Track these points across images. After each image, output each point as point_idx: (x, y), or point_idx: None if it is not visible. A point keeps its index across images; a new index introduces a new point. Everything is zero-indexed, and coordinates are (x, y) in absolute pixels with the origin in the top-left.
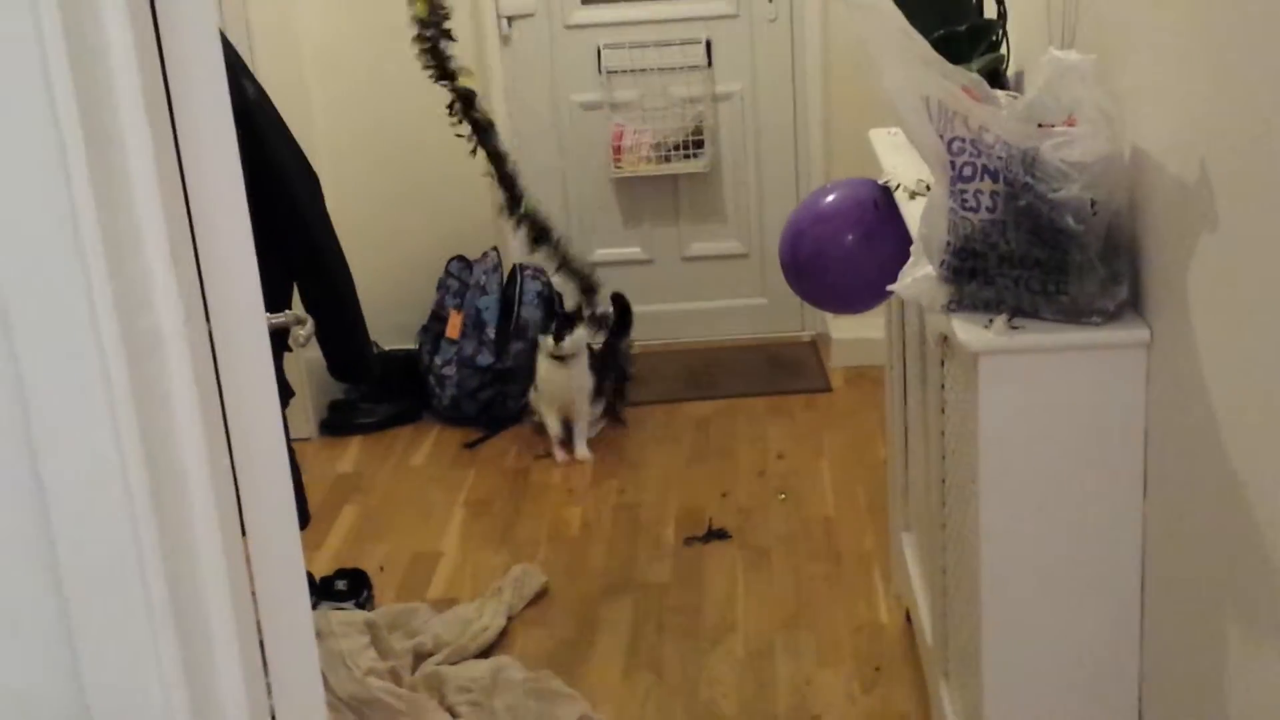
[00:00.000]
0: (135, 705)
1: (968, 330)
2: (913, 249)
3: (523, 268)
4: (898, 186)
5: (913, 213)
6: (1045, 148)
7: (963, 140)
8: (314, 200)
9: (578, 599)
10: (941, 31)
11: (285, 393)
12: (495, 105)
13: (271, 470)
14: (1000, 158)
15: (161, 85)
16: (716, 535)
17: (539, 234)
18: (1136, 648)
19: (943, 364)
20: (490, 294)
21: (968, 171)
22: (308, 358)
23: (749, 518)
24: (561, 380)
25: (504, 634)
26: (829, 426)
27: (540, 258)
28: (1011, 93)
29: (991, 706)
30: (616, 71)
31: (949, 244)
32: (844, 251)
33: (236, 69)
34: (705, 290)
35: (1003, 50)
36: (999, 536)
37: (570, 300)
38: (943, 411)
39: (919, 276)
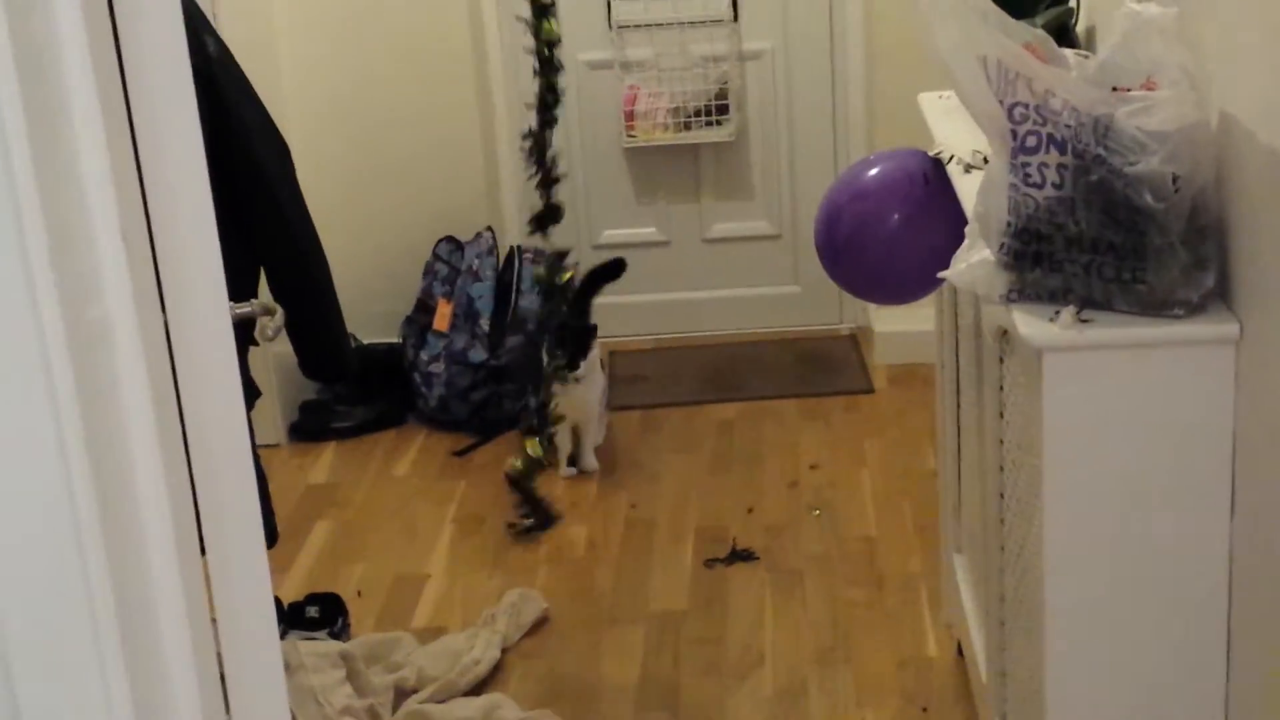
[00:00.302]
0: None
1: (1030, 323)
2: (967, 230)
3: (521, 250)
4: (950, 158)
5: (968, 189)
6: (1120, 115)
7: (1025, 106)
8: (284, 173)
9: (582, 628)
10: None
11: (251, 392)
12: (491, 64)
13: (235, 480)
14: (1068, 126)
15: (112, 42)
16: (741, 556)
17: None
18: (1222, 688)
19: (1001, 362)
20: (484, 280)
21: (1031, 142)
22: (276, 353)
23: (778, 536)
24: (575, 398)
25: (498, 668)
26: (870, 432)
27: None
28: (1082, 52)
29: None
30: (629, 26)
31: (1009, 225)
32: (888, 233)
33: (196, 23)
34: (730, 277)
35: (1071, 3)
36: (1065, 559)
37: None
38: (1001, 416)
39: (975, 262)
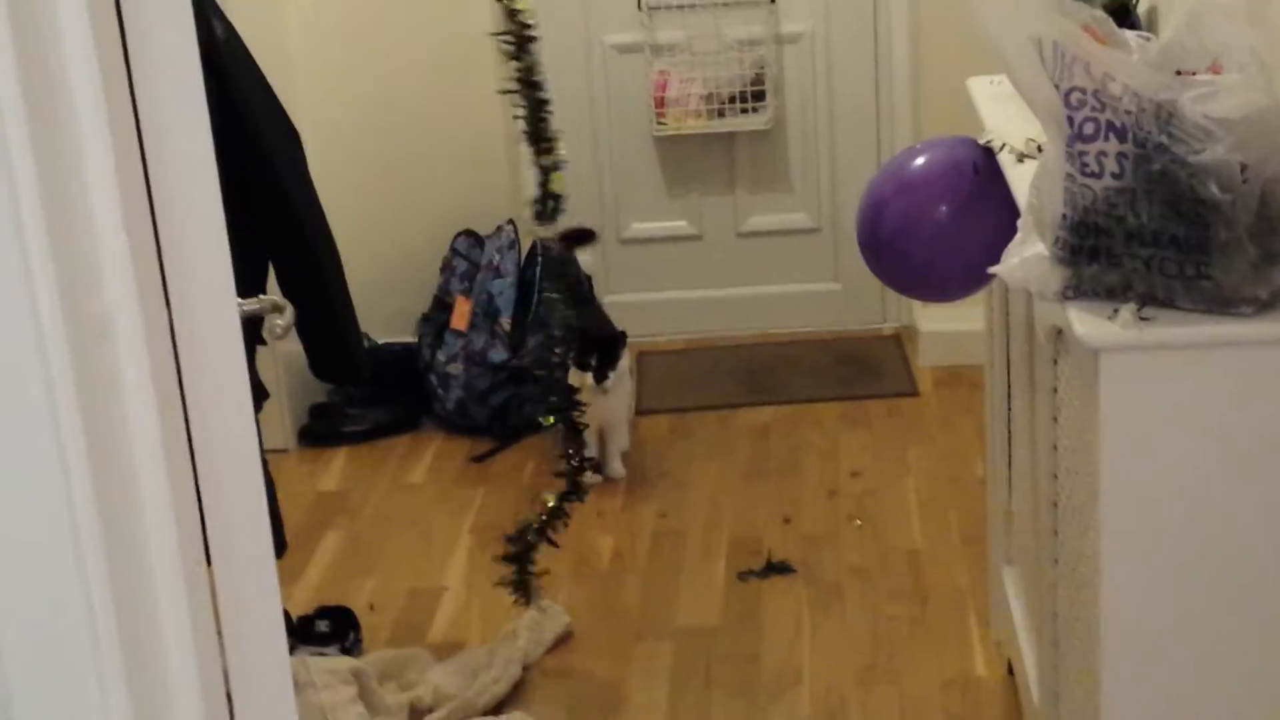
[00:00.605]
0: None
1: (1088, 322)
2: (1020, 223)
3: (545, 245)
4: (1002, 147)
5: (1021, 179)
6: (1184, 100)
7: (1083, 91)
8: (294, 164)
9: (608, 645)
10: None
11: (258, 394)
12: None
13: (242, 486)
14: (1129, 112)
15: (116, 25)
16: (777, 569)
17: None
18: None
19: (1055, 363)
20: (505, 276)
21: (1089, 129)
22: (286, 352)
23: (817, 548)
24: (600, 402)
25: (518, 686)
26: (915, 438)
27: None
28: (1143, 34)
29: None
30: (659, 7)
31: (1065, 217)
32: (935, 226)
33: (204, 5)
34: (766, 273)
35: None
36: (1123, 574)
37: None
38: (1055, 421)
39: (1028, 257)
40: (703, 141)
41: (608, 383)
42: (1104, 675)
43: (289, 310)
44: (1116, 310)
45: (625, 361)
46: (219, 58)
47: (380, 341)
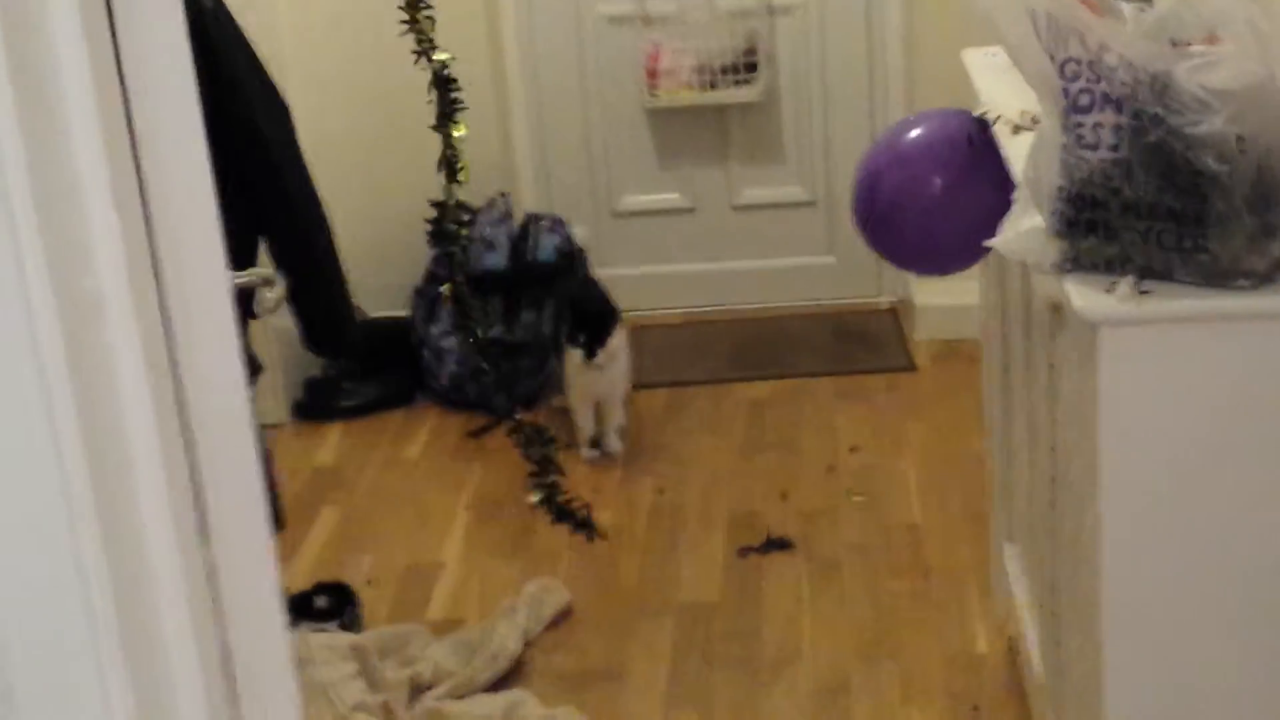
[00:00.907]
0: None
1: (1085, 295)
2: (1016, 196)
3: (537, 218)
4: (997, 119)
5: (1016, 151)
6: (1180, 71)
7: (1078, 62)
8: (284, 135)
9: (607, 621)
10: None
11: (252, 368)
12: (504, 18)
13: (238, 462)
14: (1125, 84)
15: None
16: (776, 545)
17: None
18: None
19: (1053, 337)
20: (498, 250)
21: (1084, 101)
22: (277, 326)
23: (816, 523)
24: (596, 382)
25: (518, 662)
26: (913, 413)
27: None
28: (1139, 4)
29: None
30: None
31: (1061, 189)
32: (931, 199)
33: None
34: (760, 246)
35: None
36: (1123, 548)
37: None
38: (1053, 395)
39: (1024, 230)
40: (695, 113)
41: (598, 359)
42: (1105, 649)
43: (280, 283)
44: (1114, 283)
45: (620, 338)
46: (207, 28)
47: (373, 315)
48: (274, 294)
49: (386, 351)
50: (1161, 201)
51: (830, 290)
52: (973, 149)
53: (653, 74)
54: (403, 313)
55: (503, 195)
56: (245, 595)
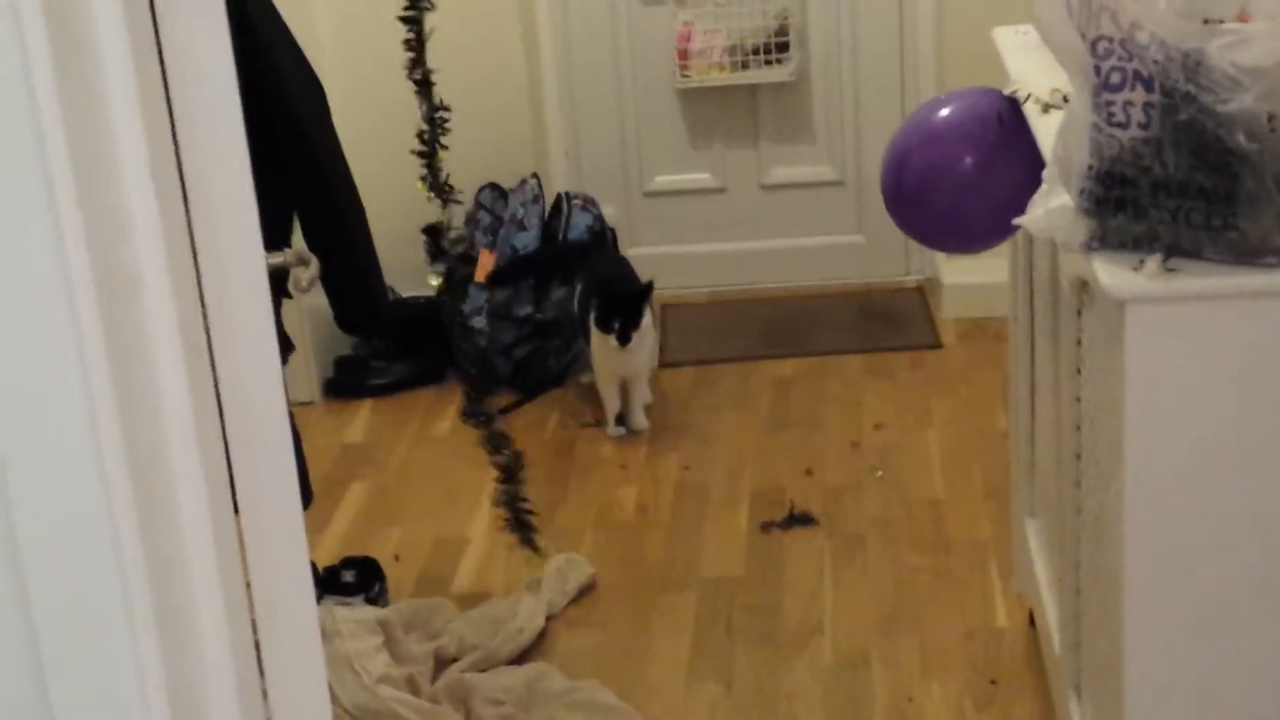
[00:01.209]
0: (108, 714)
1: (1113, 273)
2: (1045, 174)
3: (569, 196)
4: (1028, 97)
5: (1046, 130)
6: (1212, 49)
7: (1110, 40)
8: (319, 115)
9: (631, 595)
10: None
11: (284, 347)
12: (537, 1)
13: (270, 437)
14: (1156, 61)
15: None
16: (799, 520)
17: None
18: None
19: (1080, 314)
20: (529, 230)
21: (1115, 79)
22: (310, 305)
23: (839, 499)
24: (622, 361)
25: (542, 636)
26: (938, 391)
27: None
28: None
29: None
30: None
31: (1091, 168)
32: (961, 177)
33: None
34: (789, 225)
35: None
36: (1147, 525)
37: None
38: (1079, 373)
39: (1053, 208)
40: (726, 93)
41: (631, 344)
42: (1126, 626)
43: (314, 263)
44: (1142, 261)
45: (648, 317)
46: (244, 8)
47: (404, 295)
48: (308, 273)
49: (417, 331)
50: (1192, 180)
51: (858, 269)
52: (1002, 127)
53: (684, 54)
54: (433, 292)
55: (534, 175)
56: (274, 568)
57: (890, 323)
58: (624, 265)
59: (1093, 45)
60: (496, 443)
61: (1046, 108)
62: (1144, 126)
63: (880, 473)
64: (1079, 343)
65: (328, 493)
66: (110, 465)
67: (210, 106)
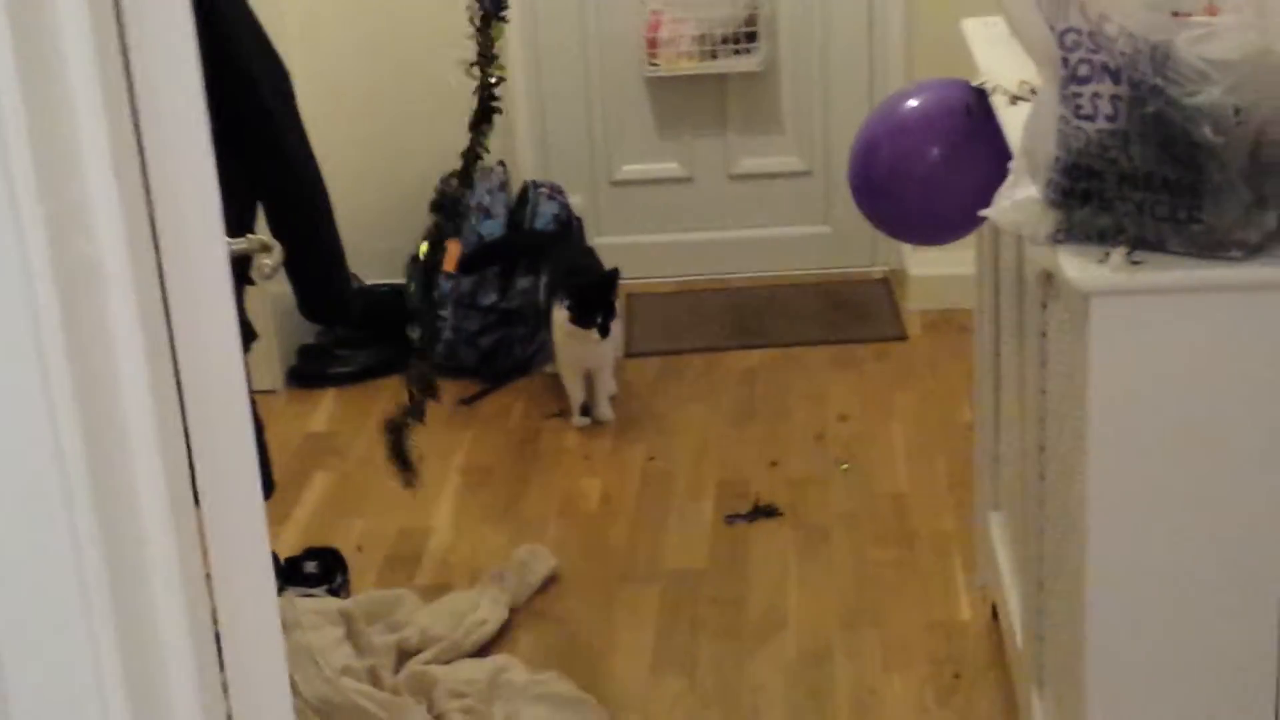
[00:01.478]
0: (65, 709)
1: (1078, 265)
2: (1012, 166)
3: (536, 185)
4: (995, 89)
5: (1013, 121)
6: (1180, 41)
7: (1078, 32)
8: (283, 99)
9: (595, 587)
10: None
11: (246, 334)
12: None
13: (231, 426)
14: (1124, 54)
15: None
16: (764, 512)
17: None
18: (1277, 656)
19: (1045, 307)
20: (495, 218)
21: (1083, 71)
22: (273, 293)
23: (803, 492)
24: (587, 351)
25: (505, 628)
26: (903, 383)
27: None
28: None
29: None
30: None
31: (1058, 160)
32: (928, 169)
33: None
34: (756, 215)
35: None
36: (1111, 518)
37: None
38: (1044, 365)
39: (1020, 200)
40: (694, 83)
41: (611, 335)
42: (1089, 619)
43: (277, 250)
44: (1108, 254)
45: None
46: None
47: (368, 283)
48: (271, 260)
49: (381, 319)
50: (1157, 172)
51: (825, 260)
52: (970, 119)
53: (653, 43)
54: (398, 280)
55: (501, 164)
56: (235, 558)
57: (856, 314)
58: (590, 255)
59: (1061, 37)
60: (423, 384)
61: (1014, 100)
62: (1111, 119)
63: (845, 465)
64: (1044, 335)
65: (290, 482)
66: (69, 457)
67: (173, 95)
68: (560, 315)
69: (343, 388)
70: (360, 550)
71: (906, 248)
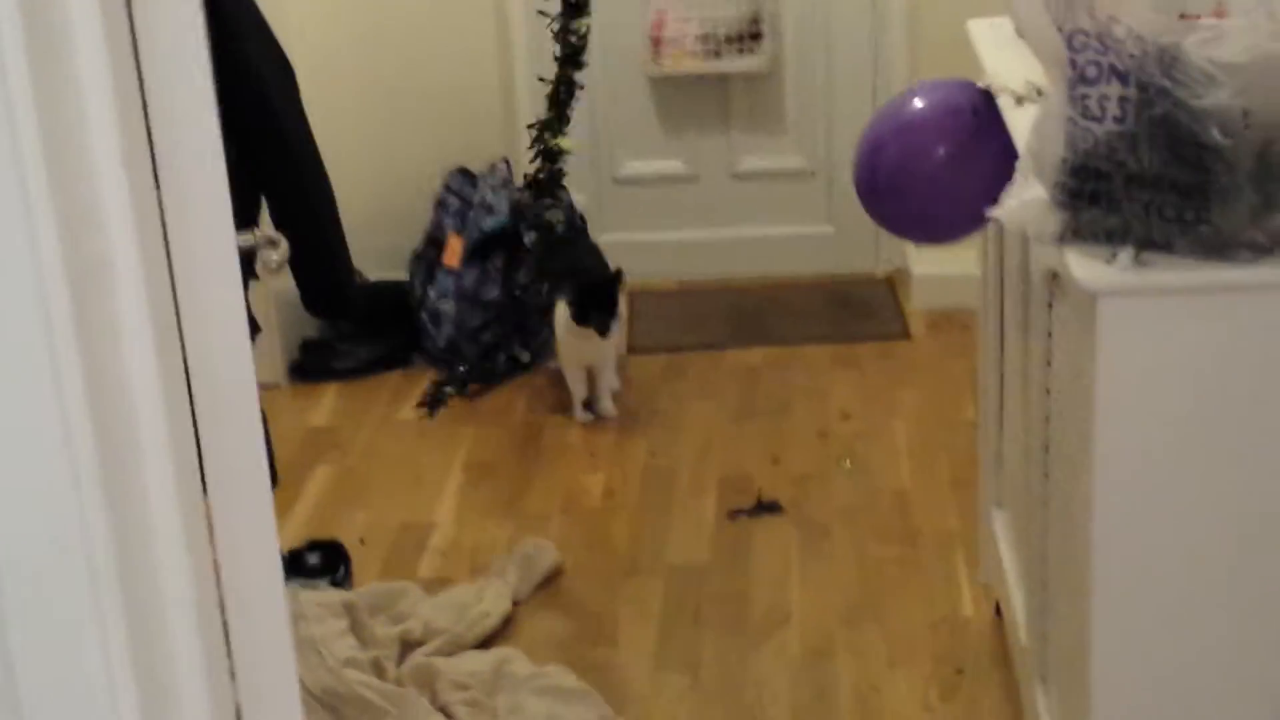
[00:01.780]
0: (75, 697)
1: (1085, 266)
2: (1019, 167)
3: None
4: (1002, 90)
5: (1020, 122)
6: (1188, 44)
7: (1086, 34)
8: (288, 96)
9: (597, 582)
10: None
11: (250, 329)
12: None
13: (239, 420)
14: (1132, 56)
15: None
16: (766, 508)
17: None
18: None
19: (1050, 307)
20: (498, 215)
21: (1091, 72)
22: (276, 288)
23: (806, 488)
24: (588, 348)
25: (508, 621)
26: (906, 381)
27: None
28: None
29: None
30: None
31: (1065, 161)
32: (934, 169)
33: None
34: (759, 214)
35: None
36: (1116, 518)
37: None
38: (1048, 364)
39: (1027, 200)
40: (698, 82)
41: (612, 333)
42: (1093, 617)
43: (284, 245)
44: (1115, 254)
45: (621, 304)
46: None
47: (372, 278)
48: (277, 255)
49: (384, 314)
50: (1165, 174)
51: (828, 259)
52: (976, 119)
53: (657, 42)
54: (401, 276)
55: (504, 160)
56: (244, 548)
57: (859, 313)
58: (595, 253)
59: (1069, 38)
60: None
61: (1020, 100)
62: (1119, 120)
63: (848, 462)
64: (1049, 334)
65: (293, 476)
66: (79, 446)
67: (183, 92)
68: (562, 312)
69: (345, 382)
70: (363, 543)
71: (909, 247)
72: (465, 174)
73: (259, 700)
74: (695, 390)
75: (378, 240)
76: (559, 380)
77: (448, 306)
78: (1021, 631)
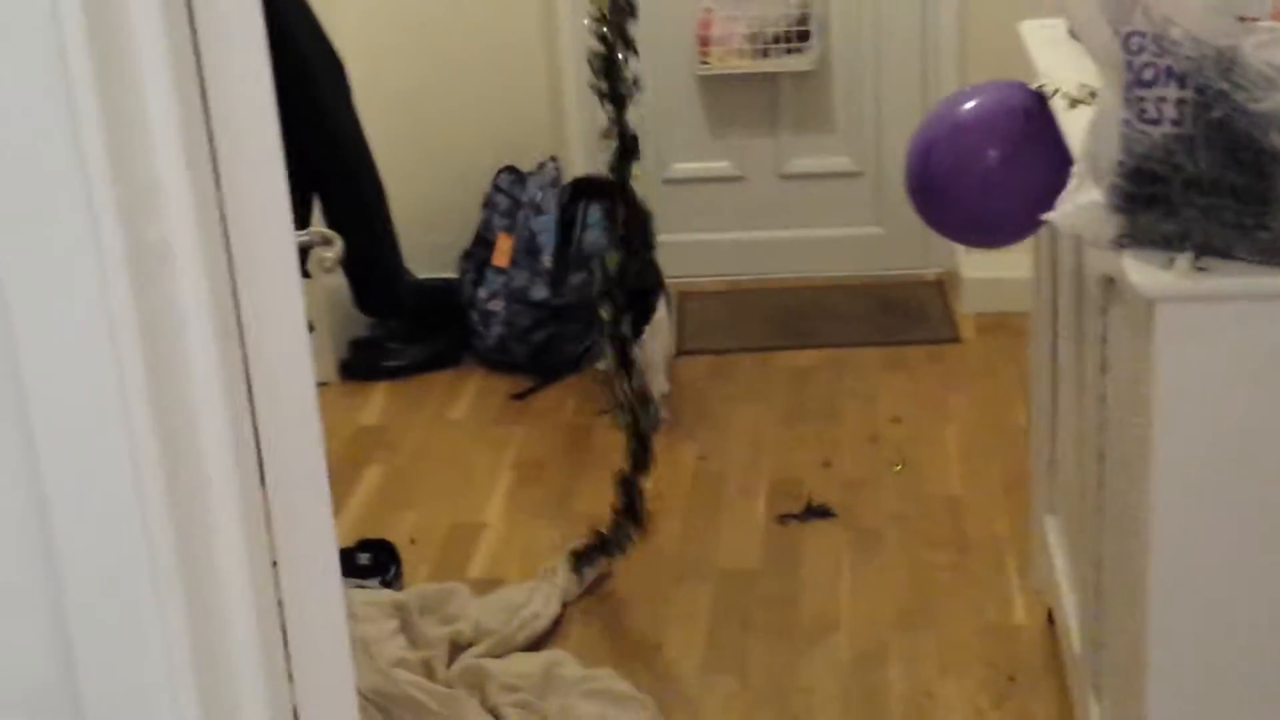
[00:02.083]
0: (135, 697)
1: (1142, 271)
2: (1074, 170)
3: (588, 182)
4: (1055, 92)
5: (1075, 125)
6: (1247, 46)
7: (1143, 35)
8: (340, 96)
9: (647, 585)
10: None
11: None
12: None
13: (299, 414)
14: (1190, 58)
15: None
16: (817, 513)
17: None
18: None
19: (1105, 312)
20: (547, 214)
21: (1148, 75)
22: (327, 286)
23: (857, 493)
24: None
25: (557, 623)
26: (957, 385)
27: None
28: None
29: None
30: None
31: (1121, 164)
32: (987, 171)
33: None
34: (808, 216)
35: None
36: (1174, 526)
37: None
38: (1104, 371)
39: (1082, 204)
40: (746, 81)
41: (643, 338)
42: (1150, 626)
43: (339, 243)
44: (1173, 260)
45: (661, 309)
46: None
47: (421, 277)
48: (332, 253)
49: (433, 313)
50: (1223, 178)
51: (876, 261)
52: (1029, 122)
53: (704, 41)
54: (450, 275)
55: (553, 160)
56: (301, 543)
57: (908, 316)
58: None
59: (1125, 40)
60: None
61: (1074, 103)
62: (1176, 123)
63: (899, 467)
64: (1104, 340)
65: (343, 475)
66: (141, 443)
67: (242, 80)
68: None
69: (395, 381)
70: (413, 543)
71: (959, 250)
72: (514, 172)
73: (316, 702)
74: (744, 393)
75: (427, 239)
76: (608, 382)
77: (498, 306)
78: (1075, 640)
